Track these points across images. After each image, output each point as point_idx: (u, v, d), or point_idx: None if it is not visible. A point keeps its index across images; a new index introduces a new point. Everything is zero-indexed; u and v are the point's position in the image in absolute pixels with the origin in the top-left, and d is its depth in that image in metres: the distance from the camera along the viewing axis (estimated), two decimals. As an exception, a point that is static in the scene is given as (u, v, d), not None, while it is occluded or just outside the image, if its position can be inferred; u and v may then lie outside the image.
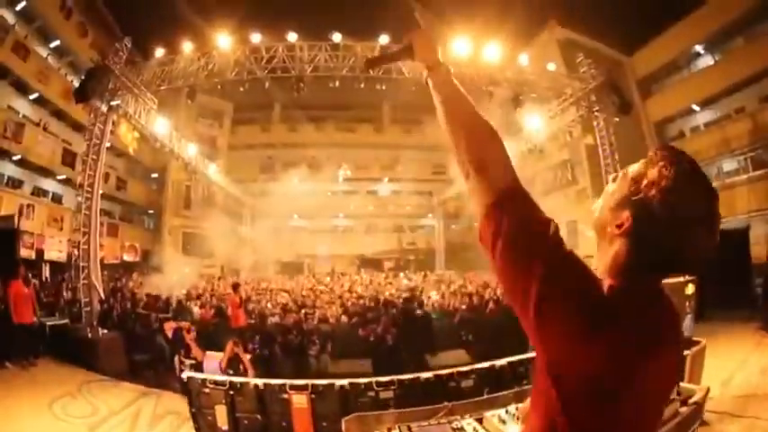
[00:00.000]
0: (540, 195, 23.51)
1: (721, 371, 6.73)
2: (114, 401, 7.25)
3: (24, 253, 15.11)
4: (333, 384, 3.91)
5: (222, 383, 4.02)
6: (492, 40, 13.53)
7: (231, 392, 3.98)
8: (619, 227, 1.20)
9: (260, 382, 4.00)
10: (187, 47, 12.95)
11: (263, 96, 18.41)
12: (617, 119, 14.25)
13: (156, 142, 14.50)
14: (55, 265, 17.02)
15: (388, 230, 32.15)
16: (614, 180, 1.30)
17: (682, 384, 3.86)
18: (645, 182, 1.18)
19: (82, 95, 11.61)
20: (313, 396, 3.85)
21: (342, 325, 10.63)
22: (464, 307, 12.45)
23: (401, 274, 23.99)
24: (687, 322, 6.16)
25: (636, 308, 1.14)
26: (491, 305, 11.96)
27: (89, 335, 10.05)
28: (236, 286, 11.57)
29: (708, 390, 3.96)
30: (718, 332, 8.59)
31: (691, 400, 3.65)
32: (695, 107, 20.04)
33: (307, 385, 3.90)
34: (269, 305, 13.01)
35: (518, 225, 1.11)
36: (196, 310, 12.03)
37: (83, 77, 12.12)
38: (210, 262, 25.83)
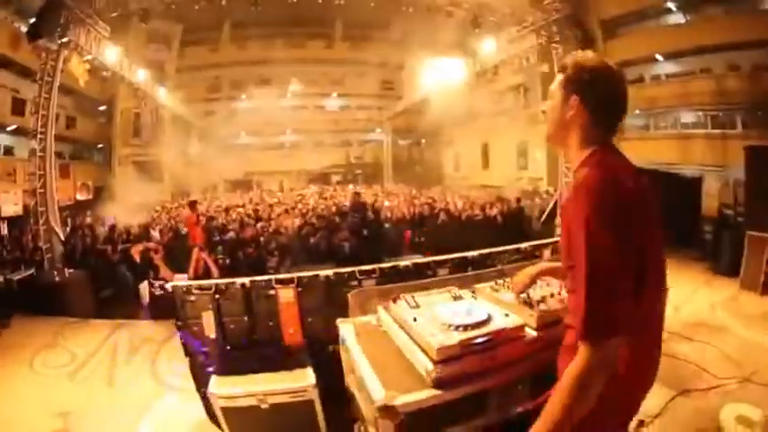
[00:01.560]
0: (490, 117, 23.49)
1: (671, 298, 7.13)
2: (89, 342, 7.31)
3: (-21, 215, 14.90)
4: (318, 276, 4.01)
5: (208, 287, 4.06)
6: None
7: (217, 296, 4.03)
8: (572, 107, 1.78)
9: (246, 280, 4.06)
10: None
11: (213, 16, 17.89)
12: (577, 52, 14.40)
13: (107, 71, 14.18)
14: (12, 222, 16.58)
15: (336, 145, 32.49)
16: (551, 98, 1.88)
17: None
18: (574, 71, 1.80)
19: (35, 35, 11.17)
20: (299, 289, 3.96)
21: (298, 235, 10.74)
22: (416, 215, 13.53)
23: (350, 186, 24.51)
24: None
25: (612, 158, 1.76)
26: (442, 215, 12.68)
27: (56, 278, 10.01)
28: (192, 204, 11.51)
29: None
30: (668, 266, 9.23)
31: None
32: (659, 57, 20.24)
33: (293, 278, 3.99)
34: (224, 221, 13.09)
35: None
36: (155, 234, 12.00)
37: (35, 18, 11.60)
38: (162, 187, 25.78)
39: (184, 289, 4.13)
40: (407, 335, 2.55)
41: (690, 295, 7.82)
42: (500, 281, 3.15)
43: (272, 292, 4.00)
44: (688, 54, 18.52)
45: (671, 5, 19.44)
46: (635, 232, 1.61)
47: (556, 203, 14.35)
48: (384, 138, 31.84)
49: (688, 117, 18.77)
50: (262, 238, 10.15)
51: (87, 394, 5.68)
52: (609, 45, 20.76)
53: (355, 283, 3.96)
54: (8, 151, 19.60)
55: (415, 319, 2.55)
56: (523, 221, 13.82)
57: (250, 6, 13.34)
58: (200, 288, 4.10)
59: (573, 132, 1.82)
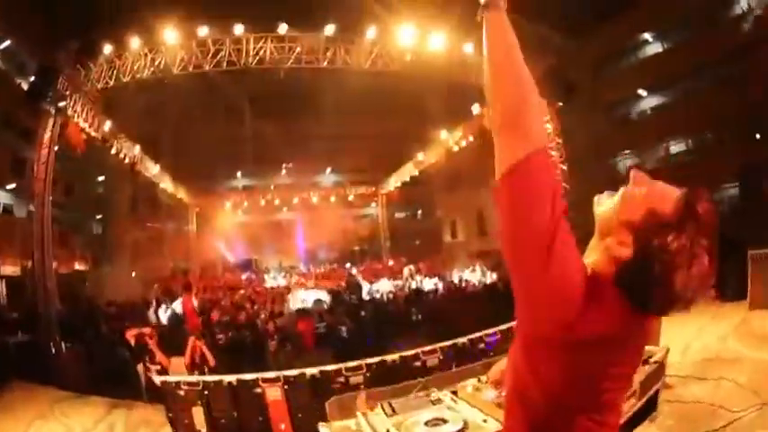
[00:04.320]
0: (482, 181, 23.80)
1: (679, 340, 6.90)
2: (86, 418, 7.20)
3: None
4: (304, 374, 4.00)
5: (196, 383, 4.07)
6: (437, 29, 13.52)
7: (206, 392, 4.03)
8: (619, 244, 1.21)
9: (233, 378, 4.07)
10: (134, 42, 12.69)
11: (208, 91, 18.22)
12: (560, 103, 14.56)
13: (103, 143, 14.40)
14: (10, 281, 16.49)
15: (333, 221, 31.64)
16: (637, 183, 1.26)
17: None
18: (658, 240, 1.15)
19: (32, 98, 11.37)
20: (286, 387, 3.95)
21: (293, 319, 10.76)
22: (412, 292, 13.63)
23: (347, 265, 24.59)
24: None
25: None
26: (441, 291, 12.68)
27: (53, 350, 9.92)
28: (187, 286, 11.53)
29: (668, 350, 4.14)
30: None
31: (652, 359, 3.83)
32: (642, 92, 20.67)
33: (278, 377, 4.00)
34: (221, 303, 13.13)
35: (530, 196, 1.10)
36: (151, 314, 11.99)
37: (31, 81, 11.83)
38: (160, 264, 25.44)
39: (174, 384, 4.15)
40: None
41: (697, 333, 7.68)
42: (483, 377, 3.11)
43: (258, 390, 3.99)
44: (669, 82, 19.08)
45: (647, 36, 20.10)
46: None
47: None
48: (380, 211, 31.69)
49: (678, 146, 19.17)
50: (258, 322, 10.25)
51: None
52: (594, 90, 21.12)
53: (342, 379, 3.96)
54: (7, 210, 19.50)
55: (387, 431, 2.53)
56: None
57: (237, 83, 13.69)
58: (189, 384, 4.11)
59: (598, 248, 1.31)
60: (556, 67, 14.51)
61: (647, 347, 4.07)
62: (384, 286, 15.06)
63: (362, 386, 3.75)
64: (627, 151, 20.98)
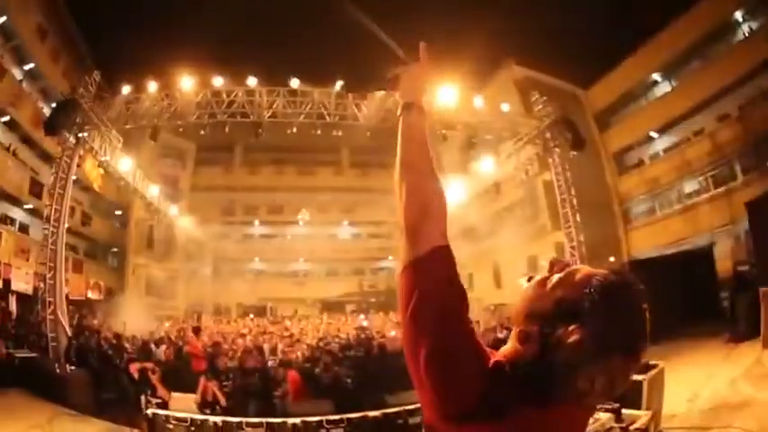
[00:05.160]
0: (497, 234, 23.25)
1: (687, 387, 6.80)
2: (81, 438, 6.96)
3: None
4: (285, 423, 4.08)
5: (184, 420, 4.17)
6: (447, 83, 13.48)
7: (192, 428, 4.12)
8: (525, 334, 1.13)
9: (218, 419, 4.17)
10: (152, 86, 12.95)
11: (224, 138, 18.52)
12: (573, 153, 14.51)
13: (120, 180, 14.65)
14: (21, 297, 16.64)
15: (348, 273, 32.28)
16: (551, 270, 1.17)
17: (624, 411, 3.96)
18: (560, 334, 1.05)
19: (51, 127, 11.60)
20: (268, 433, 4.03)
21: (302, 368, 10.71)
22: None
23: (360, 316, 24.06)
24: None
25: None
26: None
27: (57, 370, 9.93)
28: (197, 330, 11.60)
29: (653, 413, 4.07)
30: (685, 349, 8.87)
31: (633, 426, 3.78)
32: (653, 134, 20.29)
33: (262, 423, 4.08)
34: (231, 349, 13.05)
35: (427, 294, 1.07)
36: (159, 351, 12.02)
37: (53, 109, 12.09)
38: (173, 303, 25.49)
39: (164, 417, 4.25)
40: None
41: (706, 379, 7.44)
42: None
43: (242, 432, 4.08)
44: (681, 120, 18.64)
45: (656, 77, 19.84)
46: None
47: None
48: (396, 264, 31.53)
49: (690, 186, 18.63)
50: (268, 369, 10.26)
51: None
52: (605, 137, 20.94)
53: (323, 431, 4.02)
54: (23, 228, 19.33)
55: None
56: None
57: (254, 135, 13.96)
58: (177, 419, 4.20)
59: (513, 338, 1.20)
60: (564, 118, 14.59)
61: (628, 411, 4.07)
62: (397, 340, 14.96)
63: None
64: (641, 196, 20.72)
